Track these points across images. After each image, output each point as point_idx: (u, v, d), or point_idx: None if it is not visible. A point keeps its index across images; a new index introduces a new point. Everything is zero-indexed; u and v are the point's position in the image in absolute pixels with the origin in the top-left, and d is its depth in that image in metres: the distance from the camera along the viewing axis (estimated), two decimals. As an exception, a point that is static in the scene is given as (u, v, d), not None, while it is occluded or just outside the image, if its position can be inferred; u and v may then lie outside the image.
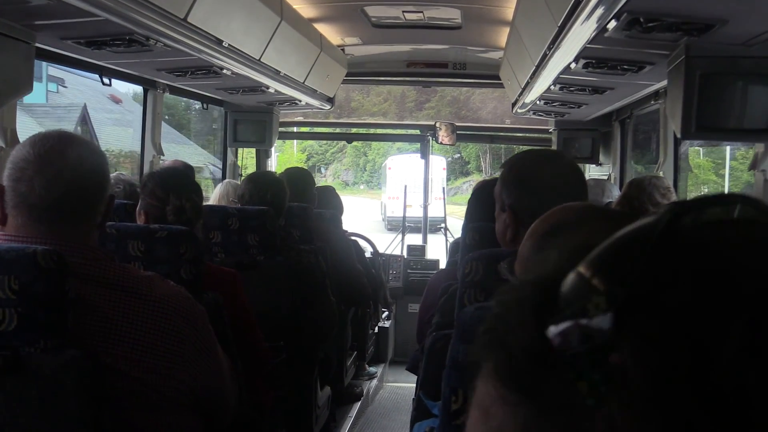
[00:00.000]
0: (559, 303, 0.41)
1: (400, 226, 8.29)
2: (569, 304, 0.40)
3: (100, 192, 1.76)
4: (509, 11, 4.58)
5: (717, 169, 19.45)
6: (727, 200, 0.42)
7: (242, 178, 5.69)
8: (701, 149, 17.15)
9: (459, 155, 37.41)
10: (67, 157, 1.67)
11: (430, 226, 8.11)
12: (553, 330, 0.40)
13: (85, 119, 18.30)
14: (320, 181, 41.91)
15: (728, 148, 15.52)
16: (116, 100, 20.85)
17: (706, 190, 17.59)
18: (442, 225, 8.65)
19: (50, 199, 1.65)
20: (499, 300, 0.45)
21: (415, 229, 8.67)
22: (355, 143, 33.19)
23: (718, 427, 0.34)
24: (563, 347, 0.39)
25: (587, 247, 0.43)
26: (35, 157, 1.65)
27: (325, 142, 35.86)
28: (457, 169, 38.02)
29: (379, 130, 8.83)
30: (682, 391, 0.35)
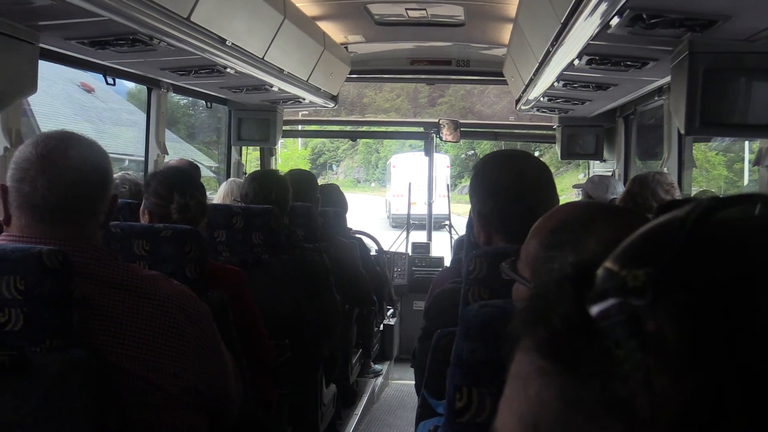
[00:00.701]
0: (597, 280, 0.44)
1: (404, 223, 8.31)
2: (609, 278, 0.43)
3: (103, 191, 1.76)
4: (512, 8, 4.57)
5: (730, 163, 18.86)
6: (756, 199, 0.45)
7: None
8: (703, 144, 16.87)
9: (473, 152, 36.70)
10: (70, 157, 1.68)
11: (435, 223, 8.12)
12: (592, 302, 0.43)
13: (22, 109, 16.19)
14: (332, 178, 41.60)
15: (747, 141, 15.29)
16: (88, 89, 17.91)
17: (703, 186, 17.25)
18: (447, 222, 8.65)
19: (53, 199, 1.65)
20: (538, 282, 0.48)
21: (419, 226, 8.67)
22: (366, 140, 32.95)
23: (748, 380, 0.37)
24: (602, 318, 0.42)
25: (621, 239, 0.47)
26: (38, 157, 1.66)
27: (336, 138, 35.68)
28: (470, 166, 37.16)
29: (384, 128, 8.82)
30: (717, 353, 0.38)
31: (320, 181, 5.30)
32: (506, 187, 2.11)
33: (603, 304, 0.42)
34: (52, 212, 1.67)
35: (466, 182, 34.55)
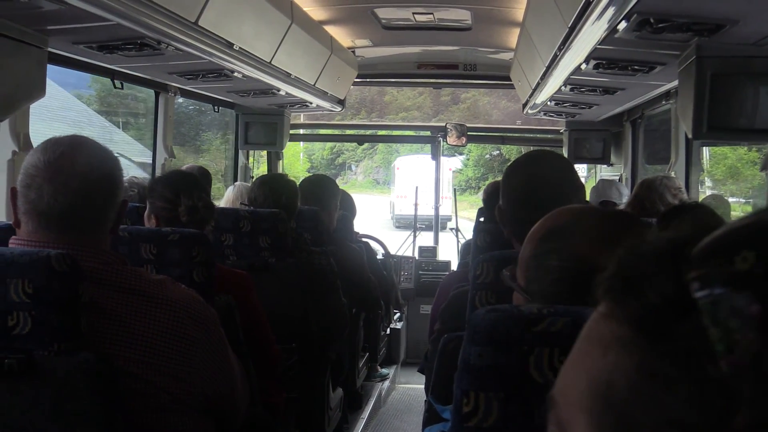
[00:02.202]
0: (697, 258, 0.43)
1: (407, 223, 8.35)
2: (714, 257, 0.43)
3: (110, 199, 1.76)
4: (519, 12, 4.58)
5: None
6: None
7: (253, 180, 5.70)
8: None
9: (498, 152, 35.52)
10: (77, 164, 1.67)
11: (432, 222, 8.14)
12: (694, 280, 0.42)
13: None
14: (351, 179, 41.22)
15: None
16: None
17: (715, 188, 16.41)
18: (453, 226, 8.67)
19: (59, 207, 1.65)
20: (631, 250, 0.48)
21: (421, 227, 8.68)
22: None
23: None
24: (703, 295, 0.42)
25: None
26: (45, 164, 1.66)
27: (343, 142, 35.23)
28: (495, 167, 35.64)
29: (390, 132, 8.83)
30: None
31: (338, 182, 5.29)
32: (518, 189, 2.12)
33: (706, 282, 0.42)
34: (58, 220, 1.66)
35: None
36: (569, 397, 0.51)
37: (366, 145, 39.29)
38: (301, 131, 8.17)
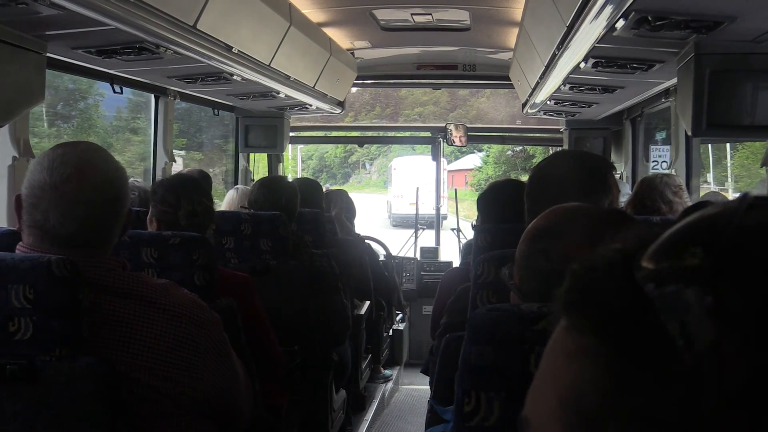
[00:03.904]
0: (651, 258, 0.45)
1: (403, 222, 8.38)
2: (666, 255, 0.44)
3: (117, 219, 1.74)
4: (518, 12, 4.58)
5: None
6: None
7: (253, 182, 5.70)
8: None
9: (521, 148, 33.63)
10: (83, 191, 1.65)
11: (428, 220, 8.13)
12: (647, 280, 0.44)
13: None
14: (365, 178, 40.69)
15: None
16: None
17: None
18: (451, 225, 8.70)
19: (64, 232, 1.64)
20: (583, 265, 0.49)
21: (410, 225, 8.70)
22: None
23: None
24: (656, 294, 0.43)
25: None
26: (51, 187, 1.63)
27: (343, 144, 34.88)
28: (518, 164, 34.73)
29: (391, 133, 8.82)
30: None
31: (352, 180, 5.30)
32: (531, 186, 2.12)
33: (660, 281, 0.43)
34: (63, 240, 1.65)
35: (511, 182, 32.94)
36: (541, 416, 0.51)
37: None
38: (292, 134, 8.19)
